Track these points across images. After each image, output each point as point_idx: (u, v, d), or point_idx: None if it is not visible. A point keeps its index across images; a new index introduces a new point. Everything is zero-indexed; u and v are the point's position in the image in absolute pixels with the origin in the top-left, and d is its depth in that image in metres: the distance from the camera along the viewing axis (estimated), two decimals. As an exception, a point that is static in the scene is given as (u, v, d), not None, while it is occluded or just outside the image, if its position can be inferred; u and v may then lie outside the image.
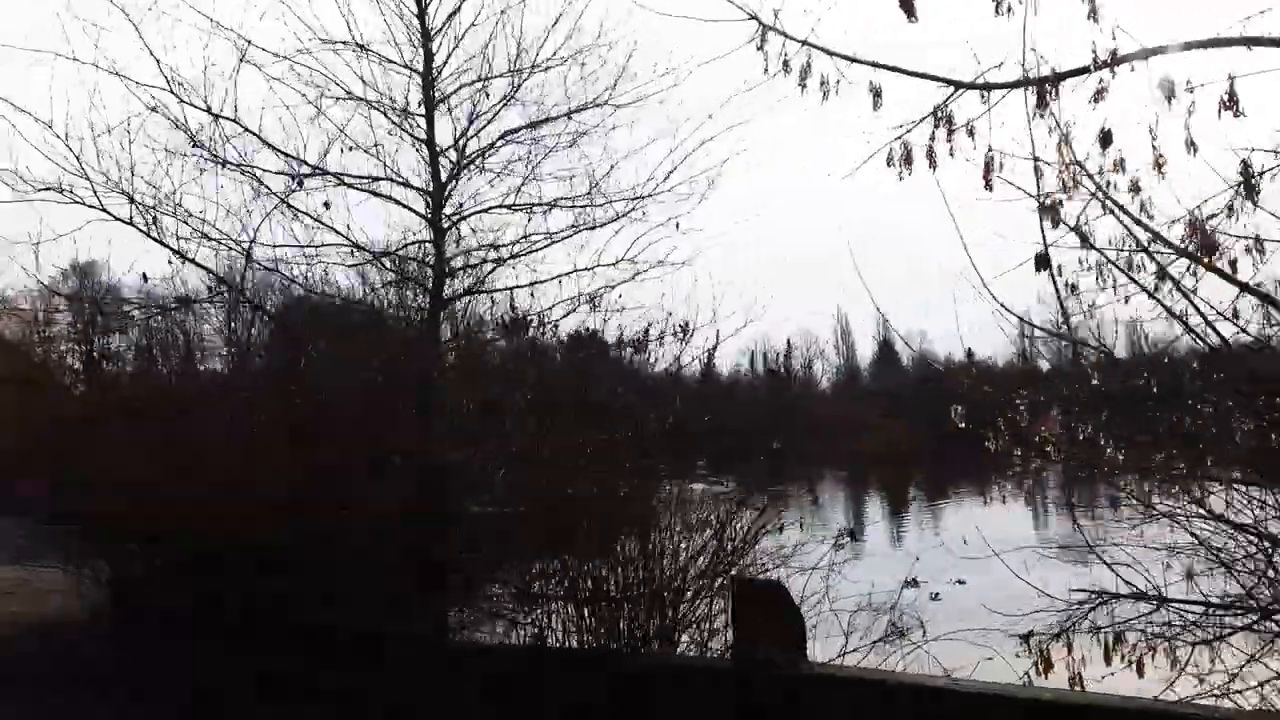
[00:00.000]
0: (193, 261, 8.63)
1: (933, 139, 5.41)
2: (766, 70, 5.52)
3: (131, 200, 8.26)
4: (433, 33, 9.37)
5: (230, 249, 8.59)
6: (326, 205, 9.03)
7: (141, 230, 8.38)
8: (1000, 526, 8.23)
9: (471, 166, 9.45)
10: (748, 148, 9.12)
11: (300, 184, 8.61)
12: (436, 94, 9.44)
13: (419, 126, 9.46)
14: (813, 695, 6.07)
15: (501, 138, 9.40)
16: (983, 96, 5.38)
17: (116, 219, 8.39)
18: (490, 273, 8.89)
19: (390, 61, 9.36)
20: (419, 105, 9.44)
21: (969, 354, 10.67)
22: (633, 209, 8.59)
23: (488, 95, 9.32)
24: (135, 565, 9.86)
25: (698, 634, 7.26)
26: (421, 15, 9.32)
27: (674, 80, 9.16)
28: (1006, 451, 8.40)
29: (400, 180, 9.38)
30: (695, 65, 7.54)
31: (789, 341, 78.12)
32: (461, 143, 9.44)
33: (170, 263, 8.74)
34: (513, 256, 8.83)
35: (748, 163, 9.46)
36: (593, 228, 8.72)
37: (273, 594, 8.81)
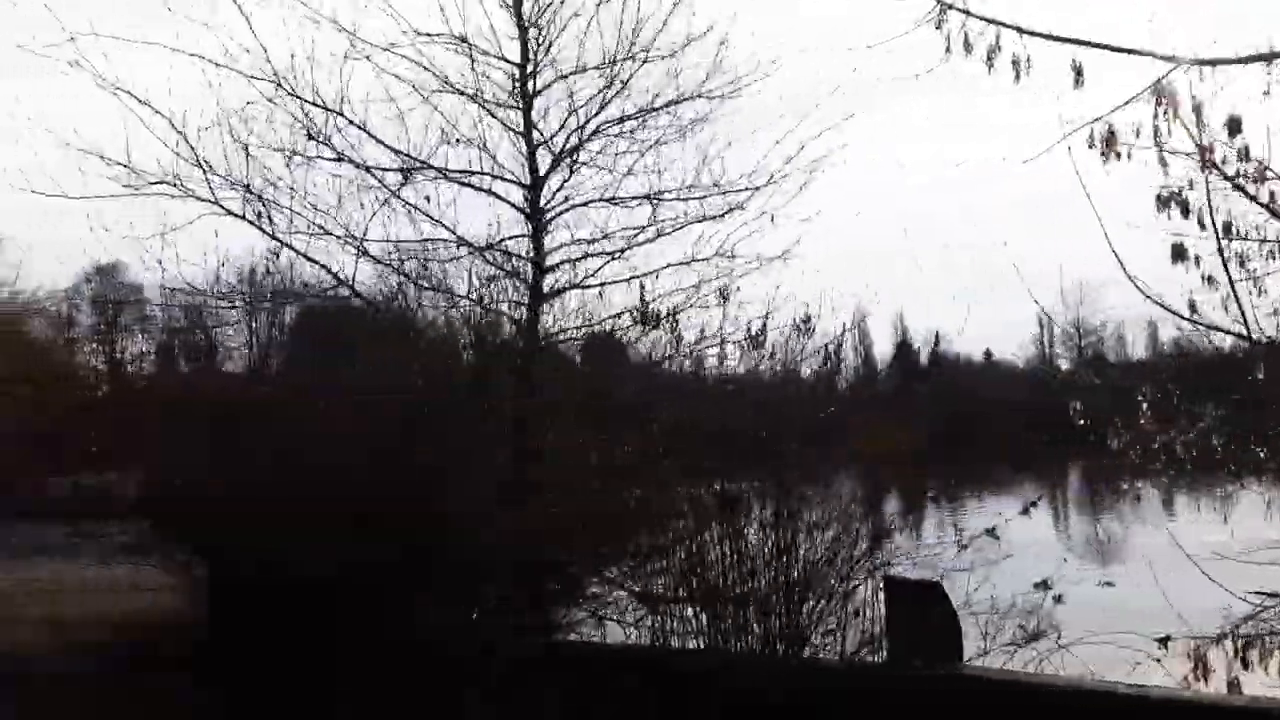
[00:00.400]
0: (305, 256, 8.49)
1: (1157, 116, 5.19)
2: (948, 50, 5.33)
3: (249, 190, 8.12)
4: (530, 24, 9.21)
5: (347, 243, 8.42)
6: (427, 199, 8.88)
7: (254, 224, 8.25)
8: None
9: (569, 159, 9.28)
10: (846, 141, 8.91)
11: (408, 178, 8.46)
12: (533, 87, 9.29)
13: (516, 119, 9.32)
14: (971, 699, 5.90)
15: (599, 130, 9.21)
16: (1200, 74, 5.17)
17: (230, 213, 8.25)
18: (600, 267, 8.69)
19: (487, 54, 9.21)
20: (516, 98, 9.29)
21: (987, 354, 10.43)
22: (745, 200, 8.37)
23: (587, 87, 9.14)
24: (235, 570, 9.72)
25: (831, 634, 7.08)
26: (518, 6, 9.17)
27: (773, 69, 8.97)
28: (1125, 450, 8.23)
29: (497, 175, 9.25)
30: (838, 49, 7.25)
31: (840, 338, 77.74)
32: (559, 136, 9.28)
33: (270, 256, 8.56)
34: (622, 250, 8.64)
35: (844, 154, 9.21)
36: (702, 220, 8.53)
37: (372, 601, 8.71)
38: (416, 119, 8.96)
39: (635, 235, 8.79)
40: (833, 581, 7.23)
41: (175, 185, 8.09)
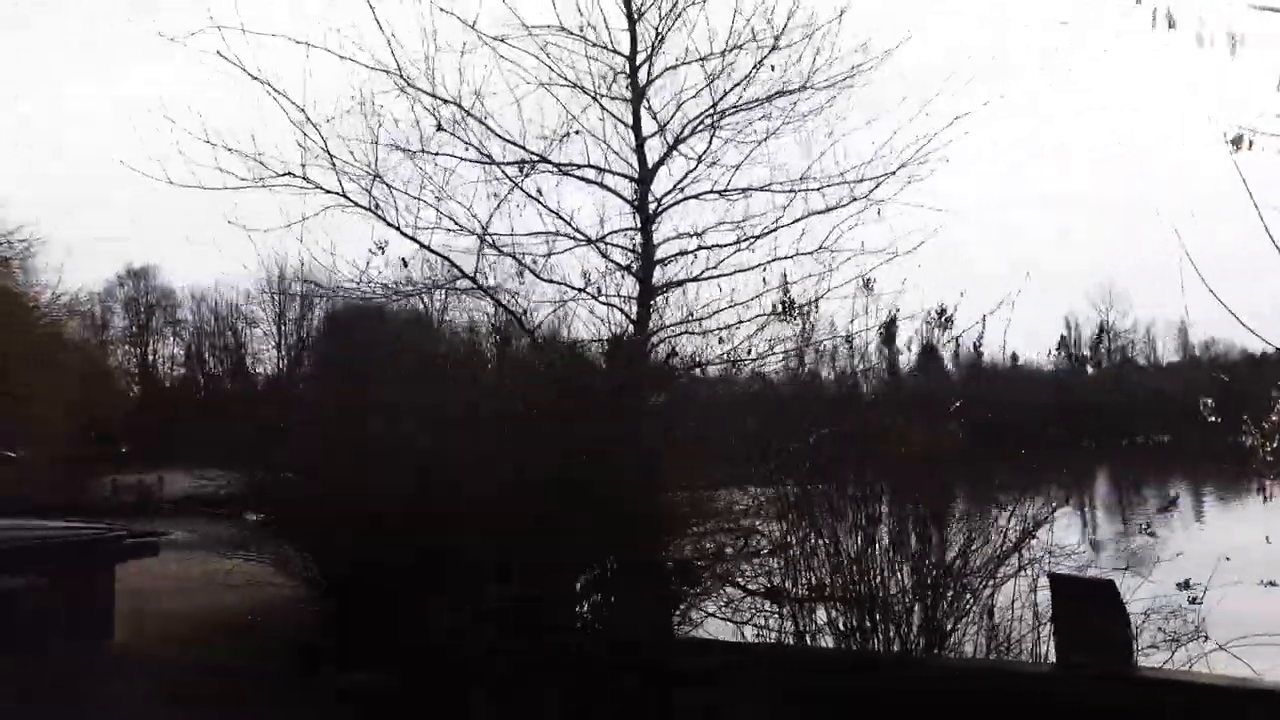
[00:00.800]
0: (429, 248, 8.37)
1: None
2: (1154, 24, 5.13)
3: (381, 180, 8.01)
4: (639, 14, 9.10)
5: (478, 237, 8.30)
6: (539, 191, 8.77)
7: (379, 216, 8.15)
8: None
9: (678, 152, 9.15)
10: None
11: (528, 170, 8.35)
12: (643, 78, 9.18)
13: (624, 112, 9.20)
14: (1148, 701, 5.72)
15: (710, 121, 9.07)
16: None
17: (356, 205, 8.14)
18: (724, 259, 8.53)
19: (597, 45, 9.10)
20: (625, 89, 9.17)
21: (1013, 357, 10.11)
22: (869, 190, 8.19)
23: (697, 78, 9.00)
24: (343, 566, 9.60)
25: (977, 633, 6.91)
26: (628, -2, 9.05)
27: (894, 52, 8.78)
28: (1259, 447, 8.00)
29: (606, 168, 9.12)
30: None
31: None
32: (668, 128, 9.15)
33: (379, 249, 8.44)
34: (736, 242, 8.49)
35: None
36: (824, 211, 8.36)
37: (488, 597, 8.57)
38: (527, 111, 8.86)
39: (747, 227, 8.62)
40: (973, 580, 7.09)
41: (303, 178, 8.02)
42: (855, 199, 8.24)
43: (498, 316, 8.88)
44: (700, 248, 8.85)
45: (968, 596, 7.00)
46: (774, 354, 8.18)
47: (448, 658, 8.11)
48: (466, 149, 8.28)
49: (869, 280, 7.31)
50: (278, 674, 8.97)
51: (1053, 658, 6.50)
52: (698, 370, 8.56)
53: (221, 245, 8.69)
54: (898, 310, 7.53)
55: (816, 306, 7.39)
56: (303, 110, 7.94)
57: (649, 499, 8.52)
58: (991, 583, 6.97)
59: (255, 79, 7.84)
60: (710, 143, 9.04)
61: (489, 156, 8.32)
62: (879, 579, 7.30)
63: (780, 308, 7.43)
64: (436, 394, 8.27)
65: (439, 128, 8.12)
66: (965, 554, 7.05)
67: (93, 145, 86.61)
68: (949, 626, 7.03)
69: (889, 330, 7.54)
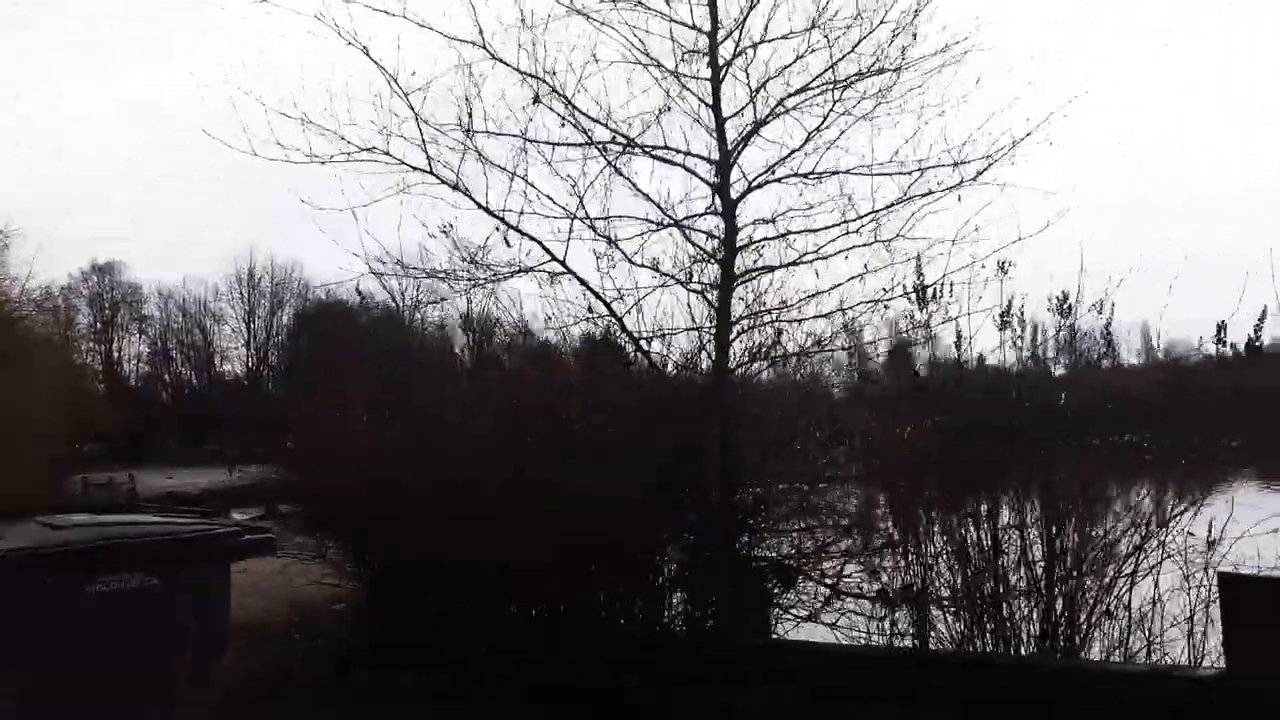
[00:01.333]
0: (519, 231, 7.90)
1: None
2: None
3: (481, 156, 7.54)
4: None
5: (569, 219, 7.84)
6: (619, 172, 8.36)
7: (466, 193, 7.66)
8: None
9: (760, 134, 8.76)
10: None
11: (620, 151, 7.92)
12: (724, 55, 8.77)
13: (704, 91, 8.79)
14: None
15: (798, 102, 8.67)
16: None
17: (444, 183, 7.67)
18: (823, 245, 8.14)
19: (673, 19, 8.69)
20: (705, 67, 8.77)
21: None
22: (981, 172, 7.81)
23: (783, 55, 8.60)
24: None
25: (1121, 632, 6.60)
26: (708, -33, 8.63)
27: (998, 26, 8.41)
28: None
29: (684, 150, 8.71)
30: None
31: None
32: (750, 108, 8.75)
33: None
34: (840, 222, 8.11)
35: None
36: (928, 194, 7.99)
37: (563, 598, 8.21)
38: (610, 90, 8.45)
39: (848, 210, 8.24)
40: (1108, 578, 6.78)
41: (386, 153, 7.53)
42: (963, 181, 7.89)
43: (577, 302, 8.36)
44: (789, 232, 8.45)
45: (1102, 593, 6.69)
46: (882, 340, 7.83)
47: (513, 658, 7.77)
48: (563, 124, 7.84)
49: (1004, 264, 6.95)
50: (326, 676, 8.60)
51: (1207, 661, 6.24)
52: (794, 359, 8.18)
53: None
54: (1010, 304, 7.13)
55: (950, 290, 7.00)
56: (395, 79, 7.47)
57: (739, 494, 8.18)
58: (1129, 578, 6.68)
59: (351, 44, 7.37)
60: (798, 122, 8.64)
61: (588, 135, 7.89)
62: (1001, 575, 7.00)
63: (918, 292, 7.04)
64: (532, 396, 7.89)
65: (536, 99, 7.66)
66: (1100, 546, 6.74)
67: (93, 145, 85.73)
68: (1084, 626, 6.73)
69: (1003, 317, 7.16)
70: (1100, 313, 6.67)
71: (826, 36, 8.21)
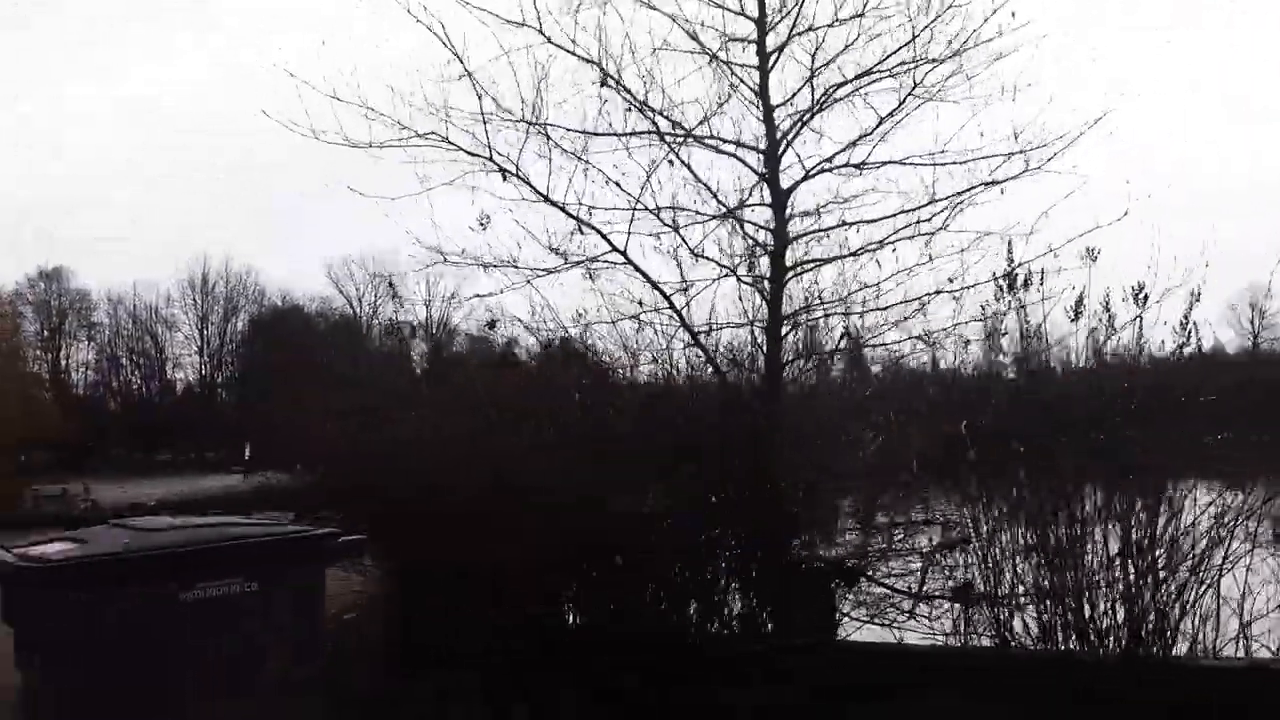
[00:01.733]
0: (583, 222, 7.59)
1: None
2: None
3: (549, 138, 7.22)
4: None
5: (631, 209, 7.55)
6: (671, 164, 8.11)
7: (524, 180, 7.35)
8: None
9: (810, 126, 8.58)
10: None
11: (678, 140, 7.66)
12: (770, 44, 8.58)
13: (753, 79, 8.59)
14: None
15: (849, 91, 8.50)
16: None
17: (503, 171, 7.33)
18: (886, 237, 7.96)
19: (723, 7, 8.48)
20: (754, 55, 8.57)
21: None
22: (1047, 161, 7.69)
23: (833, 43, 8.43)
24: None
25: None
26: (756, -47, 8.42)
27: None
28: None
29: (736, 140, 8.52)
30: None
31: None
32: (800, 96, 8.57)
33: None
34: (900, 212, 7.94)
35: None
36: (992, 184, 7.85)
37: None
38: (658, 77, 8.19)
39: (905, 200, 8.08)
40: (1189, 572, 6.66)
41: (444, 139, 7.19)
42: (1029, 169, 7.76)
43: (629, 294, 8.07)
44: (844, 223, 8.27)
45: (1194, 585, 6.56)
46: (953, 332, 7.65)
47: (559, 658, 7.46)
48: (629, 110, 7.55)
49: (1092, 250, 6.81)
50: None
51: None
52: (860, 353, 7.99)
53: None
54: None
55: (1041, 279, 6.82)
56: (461, 58, 7.14)
57: (803, 495, 7.95)
58: (1218, 569, 6.56)
59: (419, 21, 7.02)
60: (850, 111, 8.47)
61: (654, 124, 7.63)
62: (1085, 571, 6.85)
63: (1008, 281, 6.86)
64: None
65: (604, 82, 7.37)
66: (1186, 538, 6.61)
67: (93, 145, 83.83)
68: (1174, 620, 6.60)
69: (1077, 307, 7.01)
70: (1199, 300, 6.51)
71: (886, 20, 8.02)
